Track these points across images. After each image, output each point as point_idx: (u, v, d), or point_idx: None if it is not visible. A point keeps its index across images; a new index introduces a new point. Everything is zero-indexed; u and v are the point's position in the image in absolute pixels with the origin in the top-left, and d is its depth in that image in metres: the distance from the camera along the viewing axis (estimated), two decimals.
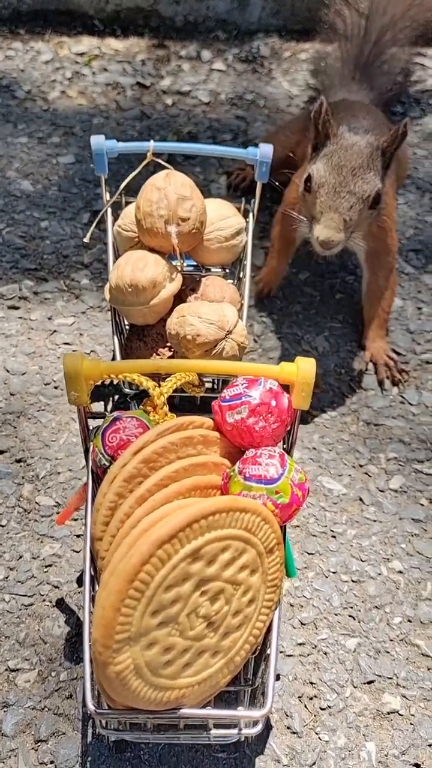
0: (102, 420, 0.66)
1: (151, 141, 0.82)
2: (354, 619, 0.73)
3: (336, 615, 0.73)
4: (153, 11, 1.47)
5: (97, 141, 0.80)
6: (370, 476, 0.84)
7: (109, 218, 0.84)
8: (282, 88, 1.38)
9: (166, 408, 0.62)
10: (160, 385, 0.64)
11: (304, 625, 0.72)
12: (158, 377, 0.65)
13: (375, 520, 0.80)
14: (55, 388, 0.91)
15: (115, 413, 0.60)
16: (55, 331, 0.97)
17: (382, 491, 0.83)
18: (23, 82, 1.35)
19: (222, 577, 0.48)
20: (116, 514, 0.52)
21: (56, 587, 0.74)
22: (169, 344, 0.76)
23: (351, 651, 0.71)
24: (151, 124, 1.28)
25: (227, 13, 1.48)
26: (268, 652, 0.54)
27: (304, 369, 0.58)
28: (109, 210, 0.83)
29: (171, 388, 0.64)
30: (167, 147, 0.85)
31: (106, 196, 0.85)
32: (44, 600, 0.73)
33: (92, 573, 0.57)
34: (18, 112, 1.28)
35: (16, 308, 0.99)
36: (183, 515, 0.45)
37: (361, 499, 0.82)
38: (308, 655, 0.70)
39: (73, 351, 0.95)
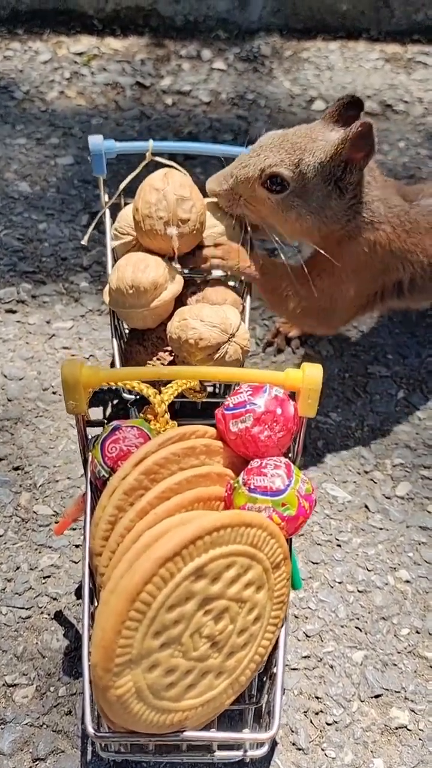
0: (101, 428, 0.65)
1: (150, 141, 0.80)
2: (360, 630, 0.71)
3: (342, 627, 0.71)
4: (152, 10, 1.45)
5: (95, 141, 0.78)
6: (375, 483, 0.82)
7: (108, 220, 0.82)
8: (283, 87, 1.37)
9: (167, 416, 0.61)
10: (160, 392, 0.62)
11: (309, 637, 0.70)
12: (159, 383, 0.63)
13: (381, 528, 0.78)
14: (54, 393, 0.89)
15: (115, 422, 0.58)
16: (53, 335, 0.95)
17: (388, 498, 0.81)
18: (21, 82, 1.33)
19: (227, 595, 0.46)
20: (116, 529, 0.50)
21: (55, 599, 0.72)
22: (169, 348, 0.74)
23: (358, 664, 0.69)
24: (151, 124, 1.26)
25: (228, 12, 1.47)
26: (274, 670, 0.52)
27: (310, 375, 0.56)
28: (108, 212, 0.82)
29: (172, 395, 0.62)
30: (166, 147, 0.83)
31: (105, 197, 0.83)
32: (42, 612, 0.71)
33: (91, 587, 0.55)
34: (16, 113, 1.27)
35: (14, 312, 0.98)
36: (186, 531, 0.43)
37: (366, 507, 0.80)
38: (314, 668, 0.68)
39: (72, 356, 0.93)
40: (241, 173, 0.73)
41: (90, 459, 0.57)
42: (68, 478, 0.81)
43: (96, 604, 0.55)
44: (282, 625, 0.51)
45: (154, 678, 0.44)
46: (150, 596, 0.43)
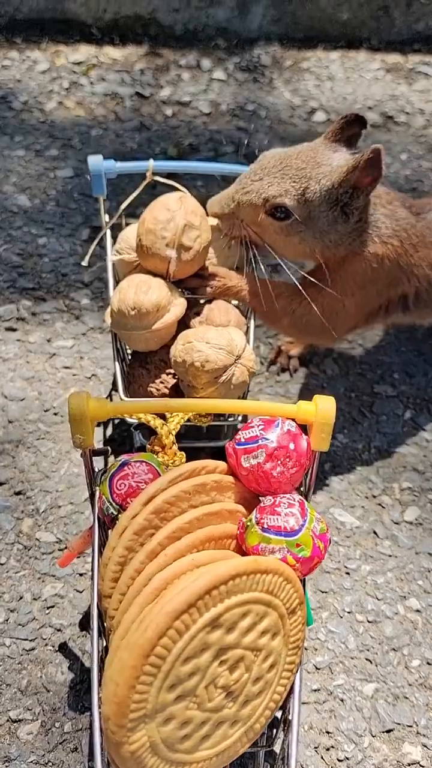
0: (103, 456, 0.63)
1: (151, 160, 0.79)
2: (371, 662, 0.70)
3: (352, 658, 0.70)
4: (152, 19, 1.44)
5: (95, 162, 0.77)
6: (383, 507, 0.81)
7: (109, 240, 0.80)
8: (284, 98, 1.35)
9: (175, 447, 0.59)
10: (166, 420, 0.60)
11: (319, 669, 0.69)
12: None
13: (390, 555, 0.77)
14: (55, 414, 0.87)
15: (123, 457, 0.56)
16: (54, 354, 0.94)
17: (396, 524, 0.80)
18: (20, 92, 1.31)
19: (242, 645, 0.45)
20: (126, 570, 0.48)
21: (59, 630, 0.70)
22: (173, 371, 0.72)
23: (368, 697, 0.67)
24: (151, 135, 1.25)
25: (227, 21, 1.45)
26: (290, 717, 0.50)
27: (323, 408, 0.54)
28: (108, 232, 0.80)
29: (179, 424, 0.61)
30: (167, 166, 0.81)
31: (105, 217, 0.81)
32: (46, 644, 0.69)
33: (101, 627, 0.54)
34: (14, 124, 1.25)
35: (14, 330, 0.96)
36: (201, 582, 0.42)
37: (375, 533, 0.79)
38: (324, 701, 0.67)
39: (73, 375, 0.91)
40: (243, 199, 0.71)
41: (97, 494, 0.56)
42: (71, 503, 0.79)
43: (105, 643, 0.54)
44: (297, 671, 0.50)
45: (169, 731, 0.43)
46: (165, 650, 0.42)
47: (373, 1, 1.44)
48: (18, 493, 0.80)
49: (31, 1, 1.40)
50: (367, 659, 0.70)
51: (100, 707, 0.47)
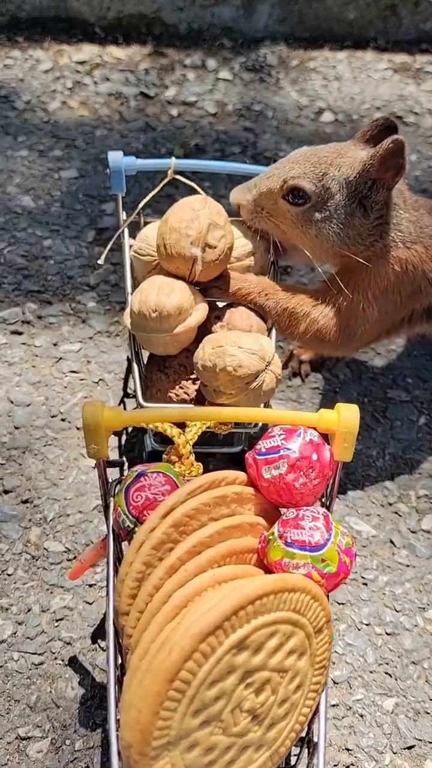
0: (118, 467, 0.61)
1: (173, 158, 0.77)
2: (390, 676, 0.68)
3: (371, 672, 0.68)
4: (156, 18, 1.42)
5: (115, 158, 0.75)
6: (400, 516, 0.79)
7: (126, 239, 0.78)
8: (291, 98, 1.34)
9: (192, 457, 0.57)
10: (183, 429, 0.58)
11: (337, 684, 0.67)
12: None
13: (408, 565, 0.75)
14: (63, 420, 0.85)
15: (139, 467, 0.54)
16: (61, 358, 0.92)
17: (414, 532, 0.78)
18: (22, 92, 1.29)
19: (268, 666, 0.43)
20: (144, 587, 0.46)
21: (68, 644, 0.68)
22: (193, 376, 0.70)
23: (389, 712, 0.66)
24: (156, 136, 1.23)
25: (232, 20, 1.43)
26: (315, 739, 0.48)
27: (346, 417, 0.52)
28: (126, 231, 0.78)
29: (197, 434, 0.59)
30: (188, 164, 0.79)
31: (123, 215, 0.79)
32: (56, 658, 0.67)
33: (116, 644, 0.52)
34: (17, 124, 1.23)
35: (20, 333, 0.94)
36: (228, 602, 0.40)
37: (392, 542, 0.77)
38: (343, 717, 0.65)
39: (81, 380, 0.89)
40: (263, 184, 0.71)
41: (113, 506, 0.54)
42: (80, 511, 0.77)
43: (121, 660, 0.52)
44: (323, 690, 0.48)
45: (193, 758, 0.41)
46: (190, 674, 0.40)
47: (380, 0, 1.42)
48: (25, 502, 0.78)
49: (34, 0, 1.38)
50: (386, 673, 0.68)
51: (117, 730, 0.45)
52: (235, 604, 0.40)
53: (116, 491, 0.54)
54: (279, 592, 0.43)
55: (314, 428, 0.54)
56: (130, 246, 0.76)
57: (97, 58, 1.38)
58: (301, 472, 0.51)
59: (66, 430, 0.84)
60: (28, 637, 0.68)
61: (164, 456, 0.58)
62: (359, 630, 0.70)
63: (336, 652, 0.69)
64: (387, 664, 0.68)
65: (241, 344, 0.63)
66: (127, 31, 1.43)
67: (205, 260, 0.66)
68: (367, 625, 0.71)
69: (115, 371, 0.91)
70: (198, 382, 0.69)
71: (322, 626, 0.46)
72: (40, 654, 0.68)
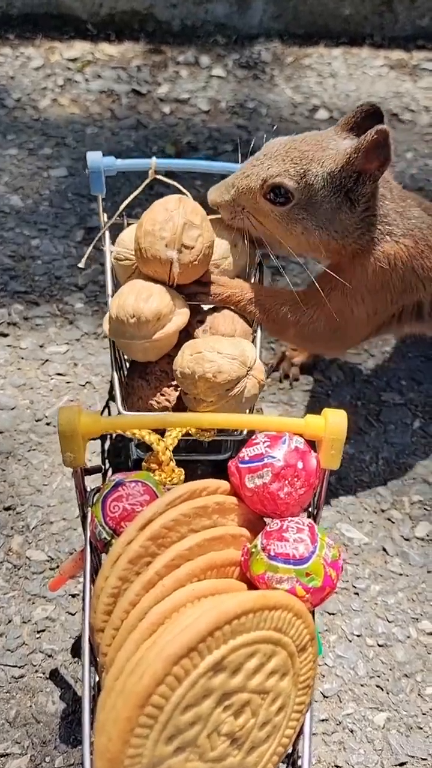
0: (97, 474, 0.59)
1: (153, 158, 0.75)
2: (382, 689, 0.65)
3: (362, 686, 0.65)
4: (149, 15, 1.40)
5: (94, 158, 0.73)
6: (393, 522, 0.77)
7: (107, 241, 0.76)
8: (285, 95, 1.31)
9: (172, 464, 0.55)
10: (163, 435, 0.56)
11: (327, 698, 0.65)
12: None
13: (401, 574, 0.73)
14: (48, 424, 0.83)
15: (117, 476, 0.52)
16: (47, 360, 0.90)
17: (407, 540, 0.76)
18: (13, 89, 1.27)
19: (248, 688, 0.41)
20: (120, 603, 0.44)
21: (50, 656, 0.66)
22: (174, 383, 0.68)
23: (380, 727, 0.63)
24: (148, 133, 1.21)
25: (226, 16, 1.41)
26: (299, 763, 0.46)
27: (333, 423, 0.50)
28: (107, 233, 0.76)
29: (176, 439, 0.57)
30: (169, 164, 0.77)
31: (104, 217, 0.77)
32: (37, 671, 0.65)
33: (92, 661, 0.49)
34: (7, 122, 1.21)
35: (5, 335, 0.92)
36: (203, 622, 0.38)
37: (384, 549, 0.75)
38: (332, 732, 0.63)
39: (67, 383, 0.87)
40: (242, 183, 0.67)
41: (89, 516, 0.52)
42: (63, 519, 0.75)
43: (98, 678, 0.50)
44: (307, 711, 0.46)
45: None
46: (162, 698, 0.37)
47: None
48: (7, 509, 0.76)
49: None
50: (377, 686, 0.66)
51: (92, 753, 0.43)
52: (210, 624, 0.38)
53: (93, 501, 0.52)
54: (259, 610, 0.40)
55: (300, 435, 0.52)
56: (111, 250, 0.74)
57: (89, 56, 1.36)
58: (286, 481, 0.49)
59: (51, 435, 0.82)
60: (9, 649, 0.66)
61: (143, 464, 0.56)
62: (350, 641, 0.68)
63: (326, 664, 0.66)
64: (378, 677, 0.66)
65: (221, 350, 0.61)
66: (120, 27, 1.41)
67: (183, 262, 0.64)
68: (358, 636, 0.68)
69: (102, 374, 0.88)
70: (180, 389, 0.67)
71: (306, 644, 0.44)
72: (20, 667, 0.66)
